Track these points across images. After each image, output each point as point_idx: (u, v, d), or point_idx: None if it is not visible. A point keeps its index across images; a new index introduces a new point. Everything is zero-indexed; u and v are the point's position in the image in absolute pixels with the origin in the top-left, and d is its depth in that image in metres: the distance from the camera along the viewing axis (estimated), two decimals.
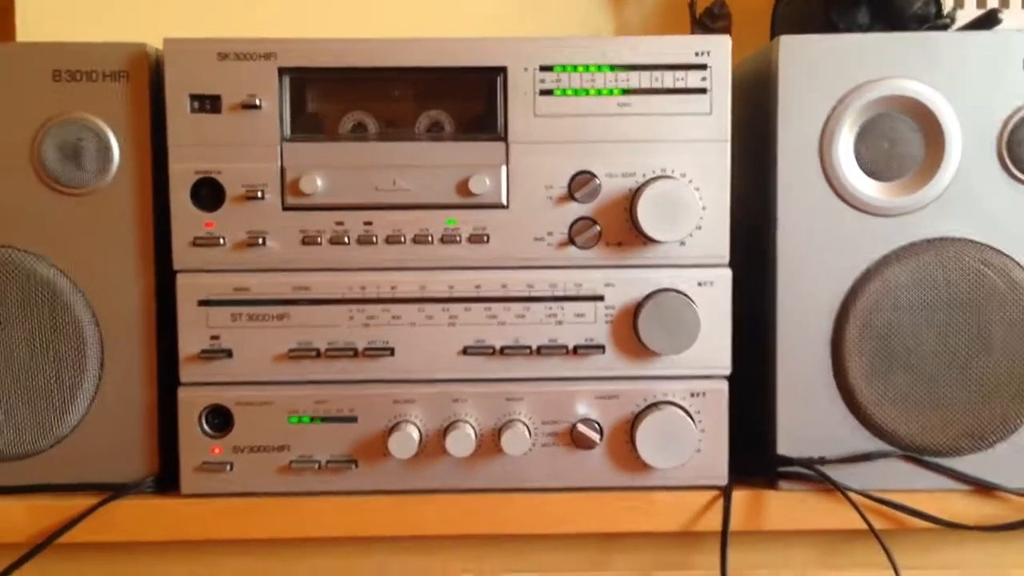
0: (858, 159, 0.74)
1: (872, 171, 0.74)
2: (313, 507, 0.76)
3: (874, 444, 0.75)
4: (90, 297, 0.75)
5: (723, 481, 0.76)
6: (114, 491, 0.75)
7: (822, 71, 0.73)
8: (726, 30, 1.00)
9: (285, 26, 1.08)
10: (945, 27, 0.78)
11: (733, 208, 0.75)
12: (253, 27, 1.07)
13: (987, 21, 0.76)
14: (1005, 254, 0.73)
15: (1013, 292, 0.73)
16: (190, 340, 0.75)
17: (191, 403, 0.75)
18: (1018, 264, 0.73)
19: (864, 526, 0.73)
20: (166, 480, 0.77)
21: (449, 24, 1.08)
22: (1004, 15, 0.77)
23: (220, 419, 0.76)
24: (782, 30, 0.86)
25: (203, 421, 0.75)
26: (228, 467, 0.75)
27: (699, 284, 0.75)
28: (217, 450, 0.75)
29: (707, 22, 1.00)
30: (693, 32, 1.01)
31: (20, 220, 0.74)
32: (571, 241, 0.74)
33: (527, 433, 0.74)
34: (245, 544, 0.78)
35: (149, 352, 0.76)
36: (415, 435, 0.74)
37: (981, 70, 0.72)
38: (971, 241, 0.74)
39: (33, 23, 1.07)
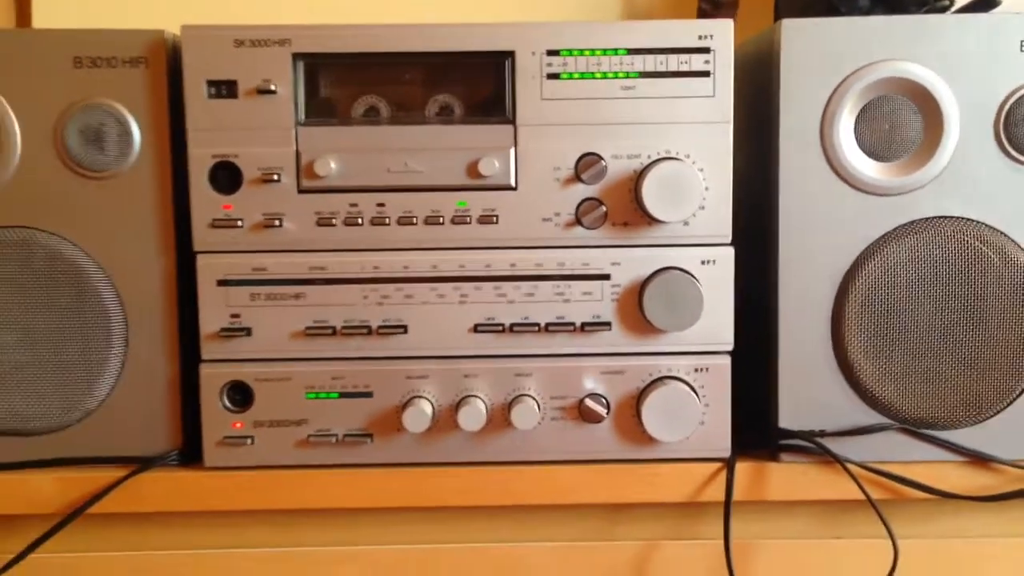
0: (858, 140, 0.75)
1: (872, 152, 0.75)
2: (330, 479, 0.78)
3: (873, 417, 0.77)
4: (113, 277, 0.76)
5: (726, 453, 0.78)
6: (140, 464, 0.77)
7: (823, 54, 0.74)
8: (733, 6, 1.00)
9: (296, 10, 1.08)
10: (944, 9, 0.79)
11: (736, 187, 0.76)
12: (263, 11, 1.08)
13: (986, 3, 0.77)
14: (1001, 232, 0.75)
15: (1009, 269, 0.75)
16: (210, 319, 0.76)
17: (212, 379, 0.77)
18: (1014, 242, 0.75)
19: (863, 497, 0.75)
20: (189, 453, 0.79)
21: (459, 6, 1.08)
22: None
23: (241, 395, 0.77)
24: (785, 12, 0.87)
25: (224, 397, 0.77)
26: (249, 441, 0.77)
27: (702, 262, 0.76)
28: (238, 424, 0.77)
29: None
30: (700, 12, 1.02)
31: (44, 203, 0.76)
32: (578, 221, 0.76)
33: (536, 408, 0.76)
34: (265, 515, 0.80)
35: (171, 330, 0.77)
36: (428, 410, 0.76)
37: (979, 52, 0.73)
38: (968, 220, 0.75)
39: (48, 10, 1.07)
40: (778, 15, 0.89)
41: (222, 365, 0.77)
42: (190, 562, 0.80)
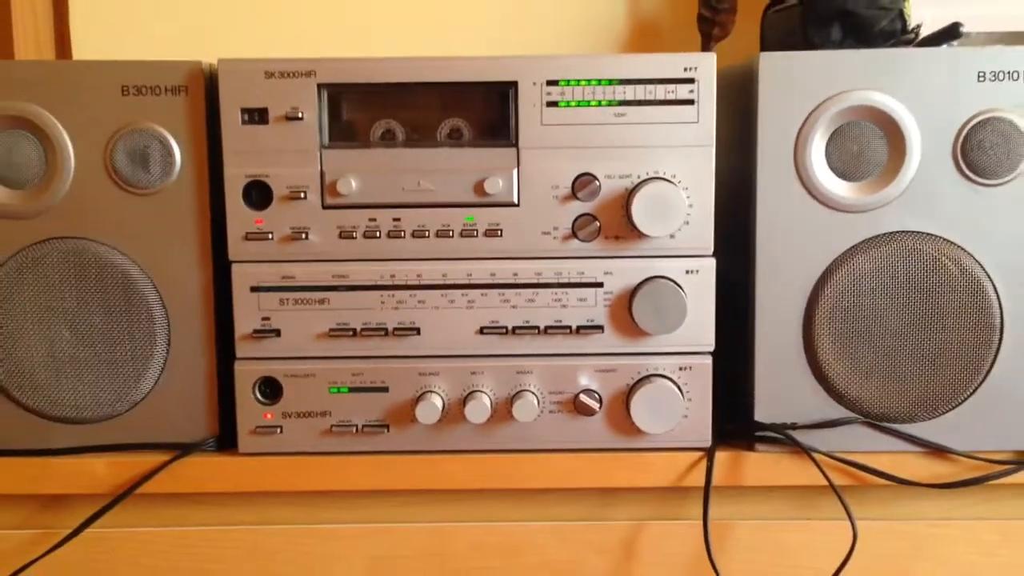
0: (829, 161, 0.79)
1: (841, 172, 0.79)
2: (351, 465, 0.82)
3: (840, 412, 0.81)
4: (158, 283, 0.80)
5: (707, 444, 0.82)
6: (182, 450, 0.81)
7: (797, 84, 0.78)
8: (731, 11, 1.04)
9: (320, 45, 1.13)
10: (909, 43, 0.82)
11: (721, 194, 0.80)
12: (290, 46, 1.13)
13: (948, 34, 0.81)
14: (958, 245, 0.79)
15: (964, 279, 0.79)
16: (244, 321, 0.81)
17: (246, 375, 0.81)
18: (969, 254, 0.79)
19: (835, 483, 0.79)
20: (225, 440, 0.83)
21: (467, 38, 1.12)
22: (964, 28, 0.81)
23: (271, 389, 0.81)
24: (770, 35, 0.92)
25: (256, 391, 0.81)
26: (278, 430, 0.81)
27: (686, 272, 0.80)
28: (269, 415, 0.81)
29: (713, 3, 1.05)
30: (699, 18, 1.05)
31: (96, 217, 0.80)
32: (574, 235, 0.80)
33: (536, 402, 0.80)
34: (293, 496, 0.84)
35: (209, 331, 0.81)
36: (438, 404, 0.80)
37: (940, 83, 0.77)
38: (928, 234, 0.79)
39: (86, 43, 1.12)
40: (764, 36, 0.93)
41: (254, 363, 0.81)
42: (226, 537, 0.84)
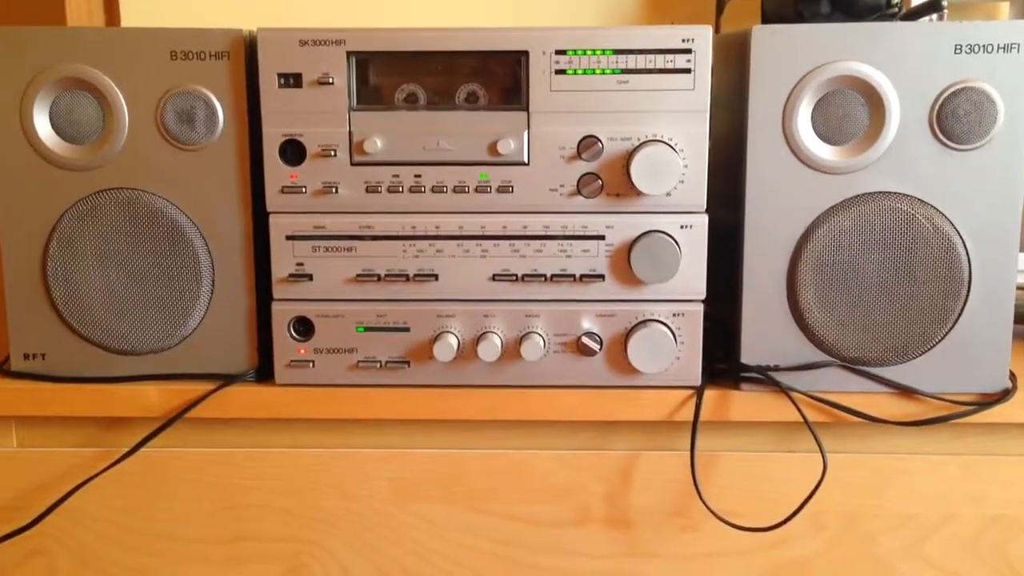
0: (814, 126, 0.83)
1: (825, 136, 0.83)
2: (375, 396, 0.86)
3: (819, 355, 0.85)
4: (203, 231, 0.86)
5: (697, 382, 0.86)
6: (225, 380, 0.86)
7: (787, 55, 0.82)
8: None
9: (349, 15, 1.18)
10: (892, 17, 0.86)
11: (715, 158, 0.84)
12: (323, 17, 1.17)
13: (931, 7, 0.86)
14: (931, 205, 0.83)
15: (936, 236, 0.83)
16: (280, 266, 0.85)
17: (282, 314, 0.86)
18: (941, 213, 0.83)
19: (809, 419, 0.83)
20: (263, 372, 0.88)
21: (484, 10, 1.17)
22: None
23: (304, 327, 0.86)
24: (769, 10, 0.95)
25: (291, 329, 0.86)
26: (311, 364, 0.86)
27: (681, 227, 0.84)
28: (302, 351, 0.86)
29: None
30: None
31: (148, 170, 0.85)
32: (579, 192, 0.84)
33: (542, 343, 0.85)
34: (323, 423, 0.88)
35: (249, 274, 0.87)
36: (454, 343, 0.85)
37: (917, 54, 0.81)
38: (904, 194, 0.83)
39: (134, 10, 1.16)
40: (764, 13, 0.97)
41: (289, 303, 0.86)
42: (263, 458, 0.88)
